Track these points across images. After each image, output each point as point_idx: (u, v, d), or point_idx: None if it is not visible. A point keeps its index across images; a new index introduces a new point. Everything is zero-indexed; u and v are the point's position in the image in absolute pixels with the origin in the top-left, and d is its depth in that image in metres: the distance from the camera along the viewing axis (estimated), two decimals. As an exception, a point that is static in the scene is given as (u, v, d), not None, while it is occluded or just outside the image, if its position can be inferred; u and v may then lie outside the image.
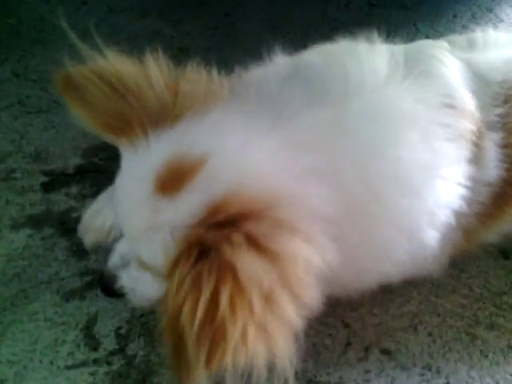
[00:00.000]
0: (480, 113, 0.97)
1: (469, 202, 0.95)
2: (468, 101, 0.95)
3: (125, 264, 0.93)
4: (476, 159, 0.94)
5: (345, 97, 0.83)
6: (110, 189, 1.17)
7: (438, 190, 0.89)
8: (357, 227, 0.82)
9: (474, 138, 0.94)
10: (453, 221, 0.94)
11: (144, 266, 0.84)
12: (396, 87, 0.87)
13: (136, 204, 0.78)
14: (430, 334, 1.10)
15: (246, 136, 0.76)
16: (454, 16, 2.14)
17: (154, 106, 0.79)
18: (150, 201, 0.75)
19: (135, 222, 0.79)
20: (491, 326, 1.13)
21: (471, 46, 1.15)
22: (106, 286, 0.95)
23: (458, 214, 0.95)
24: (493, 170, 1.00)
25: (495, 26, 2.16)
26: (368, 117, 0.83)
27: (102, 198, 1.17)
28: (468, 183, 0.93)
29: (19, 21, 1.92)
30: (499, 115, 1.00)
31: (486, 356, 1.08)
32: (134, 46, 1.93)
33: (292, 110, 0.80)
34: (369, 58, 0.90)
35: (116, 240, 0.97)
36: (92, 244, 1.13)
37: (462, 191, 0.92)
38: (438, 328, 1.11)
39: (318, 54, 0.94)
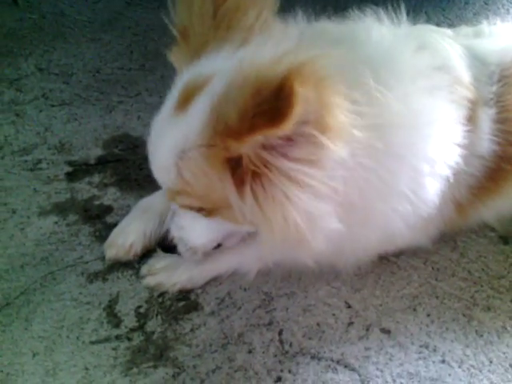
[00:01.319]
0: (476, 88, 1.04)
1: (461, 172, 1.03)
2: (463, 72, 1.02)
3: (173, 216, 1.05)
4: (470, 128, 1.01)
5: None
6: (134, 207, 1.27)
7: (437, 141, 0.96)
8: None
9: (470, 106, 1.01)
10: (448, 181, 1.01)
11: (183, 202, 0.94)
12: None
13: (161, 125, 0.90)
14: (428, 315, 1.17)
15: None
16: (466, 3, 2.16)
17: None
18: (170, 119, 0.87)
19: (162, 143, 0.89)
20: (488, 308, 1.19)
21: (477, 35, 1.21)
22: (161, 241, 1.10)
23: (450, 185, 1.02)
24: (486, 142, 1.07)
25: (507, 12, 2.18)
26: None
27: (126, 219, 1.25)
28: (462, 147, 0.99)
29: (42, 16, 2.01)
30: (494, 93, 1.08)
31: (481, 336, 1.14)
32: (151, 37, 2.03)
33: None
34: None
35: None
36: (112, 258, 1.21)
37: (458, 151, 0.98)
38: (437, 309, 1.18)
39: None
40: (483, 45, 1.14)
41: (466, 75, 1.03)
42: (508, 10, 2.20)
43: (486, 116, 1.07)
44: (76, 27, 1.98)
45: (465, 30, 1.25)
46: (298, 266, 1.11)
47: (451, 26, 1.14)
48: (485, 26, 1.26)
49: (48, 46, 1.87)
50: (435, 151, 0.96)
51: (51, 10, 2.04)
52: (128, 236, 1.20)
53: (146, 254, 1.22)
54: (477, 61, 1.09)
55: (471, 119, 1.02)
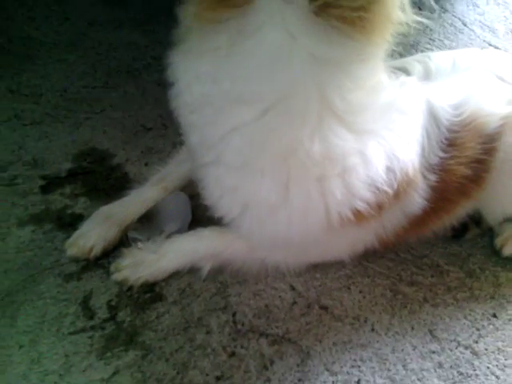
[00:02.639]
0: (425, 154, 1.17)
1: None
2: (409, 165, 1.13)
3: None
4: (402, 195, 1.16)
5: None
6: (95, 213, 1.41)
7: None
8: None
9: (406, 187, 1.15)
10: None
11: None
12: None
13: None
14: (360, 292, 1.36)
15: None
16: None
17: None
18: None
19: None
20: (411, 283, 1.38)
21: (426, 74, 1.36)
22: None
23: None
24: (415, 202, 1.22)
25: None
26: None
27: (88, 223, 1.39)
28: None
29: (9, 40, 2.11)
30: (441, 158, 1.20)
31: (405, 306, 1.33)
32: (113, 56, 2.17)
33: None
34: None
35: None
36: (72, 257, 1.35)
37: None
38: (368, 287, 1.37)
39: None
40: (438, 98, 1.23)
41: (410, 168, 1.13)
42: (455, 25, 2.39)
43: (425, 183, 1.19)
44: (42, 49, 2.09)
45: (416, 65, 1.40)
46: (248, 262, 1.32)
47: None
48: (429, 61, 1.41)
49: (17, 69, 1.98)
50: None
51: (18, 34, 2.15)
52: (89, 239, 1.34)
53: (116, 255, 1.37)
54: (433, 121, 1.20)
55: (407, 186, 1.15)
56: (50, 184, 1.58)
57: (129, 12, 2.35)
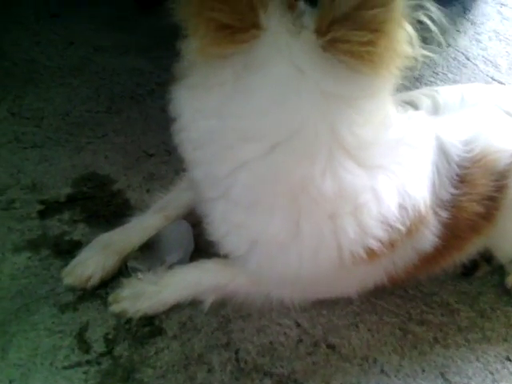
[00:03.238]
0: (436, 191, 1.15)
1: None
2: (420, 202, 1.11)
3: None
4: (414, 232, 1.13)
5: None
6: (94, 241, 1.37)
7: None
8: None
9: (418, 225, 1.12)
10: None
11: None
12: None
13: None
14: (369, 330, 1.30)
15: None
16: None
17: None
18: None
19: None
20: (421, 322, 1.33)
21: (435, 108, 1.35)
22: None
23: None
24: (426, 240, 1.18)
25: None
26: None
27: (86, 251, 1.35)
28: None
29: (13, 63, 2.10)
30: (452, 194, 1.18)
31: (415, 347, 1.28)
32: (117, 81, 2.17)
33: None
34: None
35: None
36: (68, 286, 1.30)
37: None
38: (376, 325, 1.32)
39: None
40: (448, 134, 1.21)
41: (422, 205, 1.11)
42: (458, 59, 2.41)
43: (436, 220, 1.16)
44: (46, 73, 2.08)
45: (424, 99, 1.39)
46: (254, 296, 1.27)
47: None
48: (437, 95, 1.40)
49: (20, 92, 1.96)
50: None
51: (23, 57, 2.14)
52: (87, 268, 1.30)
53: (114, 285, 1.32)
54: (443, 157, 1.18)
55: (419, 223, 1.12)
56: (49, 209, 1.54)
57: (134, 38, 2.35)
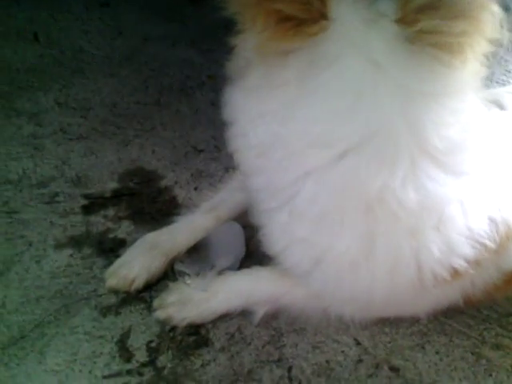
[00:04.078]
0: None
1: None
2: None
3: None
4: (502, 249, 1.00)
5: None
6: (140, 241, 1.29)
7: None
8: None
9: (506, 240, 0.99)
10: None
11: None
12: None
13: None
14: (437, 353, 1.17)
15: None
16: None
17: None
18: None
19: None
20: (496, 347, 1.19)
21: None
22: None
23: None
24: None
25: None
26: None
27: (131, 251, 1.28)
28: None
29: (61, 52, 2.07)
30: None
31: (490, 375, 1.14)
32: (166, 73, 2.10)
33: None
34: None
35: None
36: (111, 288, 1.23)
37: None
38: (445, 347, 1.18)
39: None
40: None
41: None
42: None
43: None
44: (94, 62, 2.04)
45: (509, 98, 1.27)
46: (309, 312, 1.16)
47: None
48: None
49: (67, 81, 1.92)
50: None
51: (70, 46, 2.11)
52: (132, 269, 1.22)
53: (159, 288, 1.24)
54: None
55: (508, 238, 1.00)
56: (93, 204, 1.48)
57: (185, 28, 2.29)
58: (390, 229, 0.91)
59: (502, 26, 0.81)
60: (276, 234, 1.04)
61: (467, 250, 0.93)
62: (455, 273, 0.95)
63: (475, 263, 0.96)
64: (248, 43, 0.86)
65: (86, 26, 2.25)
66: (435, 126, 0.83)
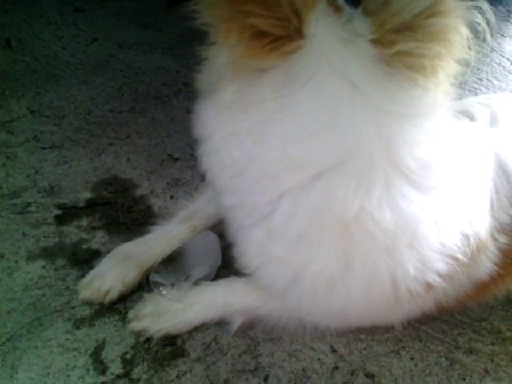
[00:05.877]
0: (495, 218, 1.04)
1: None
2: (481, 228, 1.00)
3: None
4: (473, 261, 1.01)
5: None
6: (114, 252, 1.28)
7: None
8: None
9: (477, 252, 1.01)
10: None
11: None
12: None
13: None
14: (412, 359, 1.19)
15: None
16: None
17: None
18: None
19: None
20: (470, 351, 1.21)
21: (494, 121, 1.23)
22: None
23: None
24: (484, 267, 1.07)
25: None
26: None
27: (105, 262, 1.26)
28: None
29: (34, 58, 2.03)
30: None
31: (464, 379, 1.16)
32: (142, 80, 2.07)
33: None
34: None
35: None
36: (85, 300, 1.22)
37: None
38: (420, 353, 1.20)
39: None
40: (508, 149, 1.11)
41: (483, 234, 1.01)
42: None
43: (495, 247, 1.05)
44: (68, 69, 2.00)
45: (480, 109, 1.28)
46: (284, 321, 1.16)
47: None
48: (495, 104, 1.29)
49: (40, 88, 1.88)
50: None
51: (44, 53, 2.07)
52: (106, 281, 1.21)
53: (134, 299, 1.23)
54: (503, 176, 1.07)
55: (478, 250, 1.01)
56: (66, 214, 1.45)
57: (160, 35, 2.27)
58: (366, 248, 0.91)
59: (469, 48, 0.83)
60: (251, 252, 1.04)
61: (441, 265, 0.94)
62: (429, 287, 0.97)
63: (448, 277, 0.97)
64: (221, 57, 0.85)
65: (59, 32, 2.22)
66: (408, 146, 0.84)
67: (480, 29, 0.85)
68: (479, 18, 0.84)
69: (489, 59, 2.25)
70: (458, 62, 0.85)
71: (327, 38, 0.80)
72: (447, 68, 0.83)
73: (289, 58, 0.79)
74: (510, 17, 2.59)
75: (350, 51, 0.80)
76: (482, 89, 2.07)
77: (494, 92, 2.00)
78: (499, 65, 2.25)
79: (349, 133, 0.81)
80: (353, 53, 0.80)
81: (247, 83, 0.83)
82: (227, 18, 0.78)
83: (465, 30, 0.82)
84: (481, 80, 2.13)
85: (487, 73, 2.18)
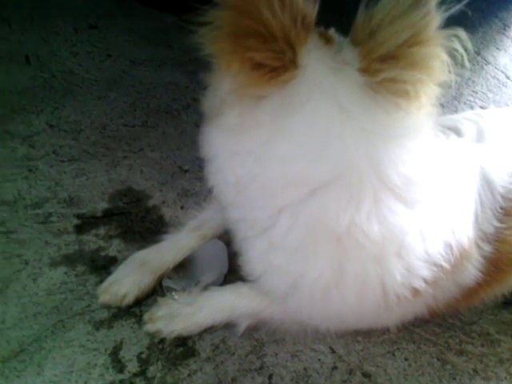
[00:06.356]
0: (479, 228, 1.11)
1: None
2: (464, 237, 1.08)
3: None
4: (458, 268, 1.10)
5: None
6: (130, 259, 1.37)
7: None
8: None
9: (461, 260, 1.09)
10: None
11: None
12: None
13: None
14: (406, 359, 1.27)
15: None
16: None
17: None
18: None
19: None
20: (460, 352, 1.29)
21: (480, 136, 1.29)
22: None
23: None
24: (469, 274, 1.15)
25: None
26: None
27: (122, 269, 1.35)
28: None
29: (52, 75, 2.13)
30: (496, 228, 1.13)
31: (454, 379, 1.24)
32: (153, 95, 2.16)
33: None
34: None
35: None
36: (104, 303, 1.31)
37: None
38: (413, 354, 1.28)
39: None
40: (493, 164, 1.18)
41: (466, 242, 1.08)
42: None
43: (479, 255, 1.12)
44: (84, 85, 2.10)
45: (467, 125, 1.34)
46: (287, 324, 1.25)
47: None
48: (482, 120, 1.35)
49: (58, 104, 1.98)
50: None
51: (61, 69, 2.17)
52: (123, 286, 1.30)
53: (149, 303, 1.32)
54: (487, 188, 1.14)
55: (462, 258, 1.09)
56: (85, 224, 1.55)
57: (170, 51, 2.36)
58: (357, 258, 1.01)
59: (449, 71, 0.91)
60: (254, 261, 1.13)
61: (426, 272, 1.03)
62: (416, 292, 1.06)
63: (433, 283, 1.06)
64: (223, 84, 0.94)
65: (75, 49, 2.32)
66: (394, 164, 0.93)
67: (458, 55, 0.92)
68: (458, 46, 0.91)
69: (484, 72, 2.33)
70: (439, 85, 0.93)
71: (319, 67, 0.89)
72: (429, 91, 0.91)
73: (285, 85, 0.88)
74: (505, 30, 2.67)
75: (340, 79, 0.89)
76: (477, 101, 2.15)
77: (489, 105, 2.08)
78: (494, 78, 2.33)
79: (339, 152, 0.90)
80: (342, 80, 0.89)
81: (248, 108, 0.92)
82: (230, 50, 0.87)
83: (445, 57, 0.90)
84: (476, 93, 2.21)
85: (482, 86, 2.26)
